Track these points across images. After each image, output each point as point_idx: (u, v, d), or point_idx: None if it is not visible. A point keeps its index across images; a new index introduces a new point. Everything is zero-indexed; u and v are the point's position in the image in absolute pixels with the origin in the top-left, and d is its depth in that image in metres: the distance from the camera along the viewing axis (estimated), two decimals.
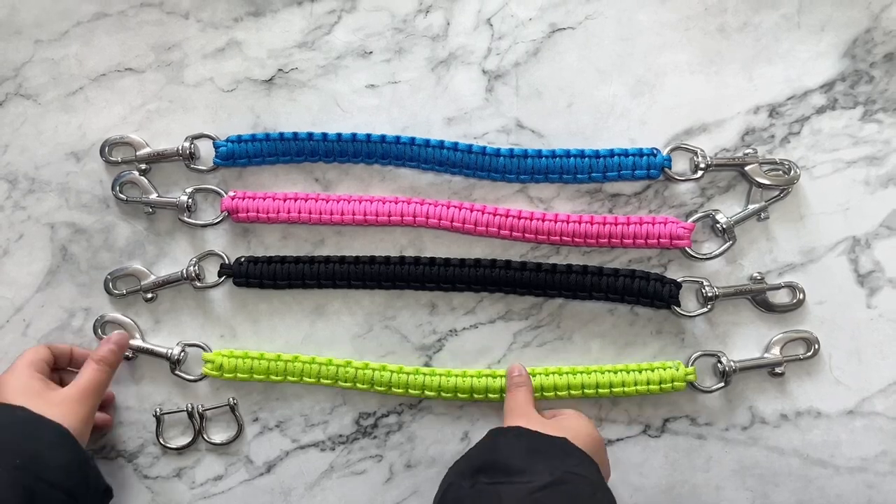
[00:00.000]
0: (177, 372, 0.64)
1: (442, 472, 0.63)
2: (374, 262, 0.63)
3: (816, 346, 0.62)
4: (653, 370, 0.62)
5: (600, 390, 0.61)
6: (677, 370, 0.61)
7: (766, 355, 0.62)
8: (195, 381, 0.64)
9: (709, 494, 0.63)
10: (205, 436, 0.65)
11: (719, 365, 0.62)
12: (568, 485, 0.49)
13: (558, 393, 0.62)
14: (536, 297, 0.64)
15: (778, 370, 0.62)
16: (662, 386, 0.61)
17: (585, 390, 0.61)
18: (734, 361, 0.62)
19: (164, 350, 0.64)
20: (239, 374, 0.62)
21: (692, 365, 0.62)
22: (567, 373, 0.62)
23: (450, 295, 0.64)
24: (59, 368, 0.62)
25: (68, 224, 0.65)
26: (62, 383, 0.59)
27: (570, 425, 0.56)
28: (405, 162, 0.64)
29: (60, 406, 0.55)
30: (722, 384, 0.62)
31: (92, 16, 0.66)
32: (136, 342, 0.64)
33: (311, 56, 0.65)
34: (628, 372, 0.62)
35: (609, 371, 0.62)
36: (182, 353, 0.64)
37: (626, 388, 0.61)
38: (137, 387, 0.65)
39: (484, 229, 0.63)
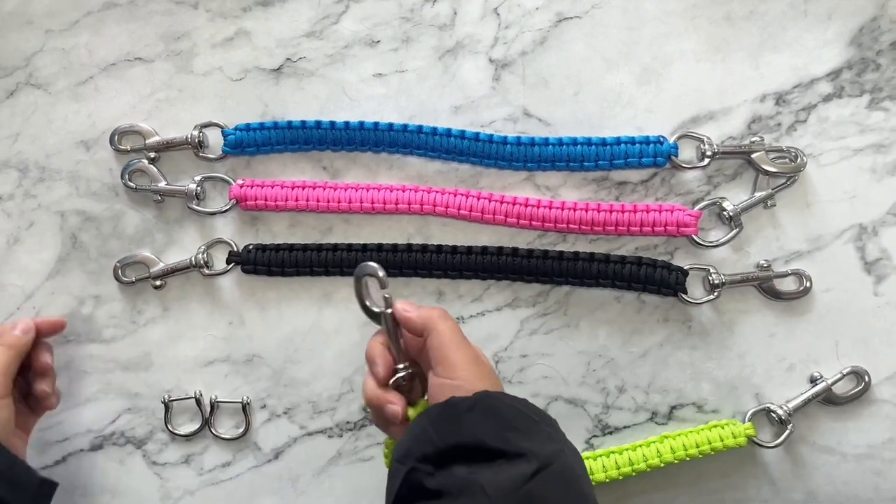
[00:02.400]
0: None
1: None
2: (382, 249, 0.63)
3: (867, 379, 0.62)
4: (711, 430, 0.62)
5: (663, 457, 0.61)
6: (736, 427, 0.61)
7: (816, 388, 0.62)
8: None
9: (715, 482, 0.63)
10: (212, 428, 0.65)
11: (773, 415, 0.62)
12: (555, 465, 0.44)
13: (621, 470, 0.61)
14: (543, 285, 0.64)
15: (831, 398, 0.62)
16: (725, 443, 0.61)
17: (649, 461, 0.61)
18: (786, 406, 0.62)
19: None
20: None
21: (749, 421, 0.62)
22: (627, 450, 0.62)
23: (457, 282, 0.65)
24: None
25: (78, 212, 0.66)
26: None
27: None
28: (412, 150, 0.64)
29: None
30: (782, 438, 0.62)
31: (102, 5, 0.66)
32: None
33: (319, 45, 0.66)
34: (687, 435, 0.61)
35: (669, 438, 0.62)
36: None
37: (688, 451, 0.61)
38: (146, 374, 0.66)
39: (491, 217, 0.63)
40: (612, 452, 0.62)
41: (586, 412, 0.64)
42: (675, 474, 0.64)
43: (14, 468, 0.53)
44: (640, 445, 0.62)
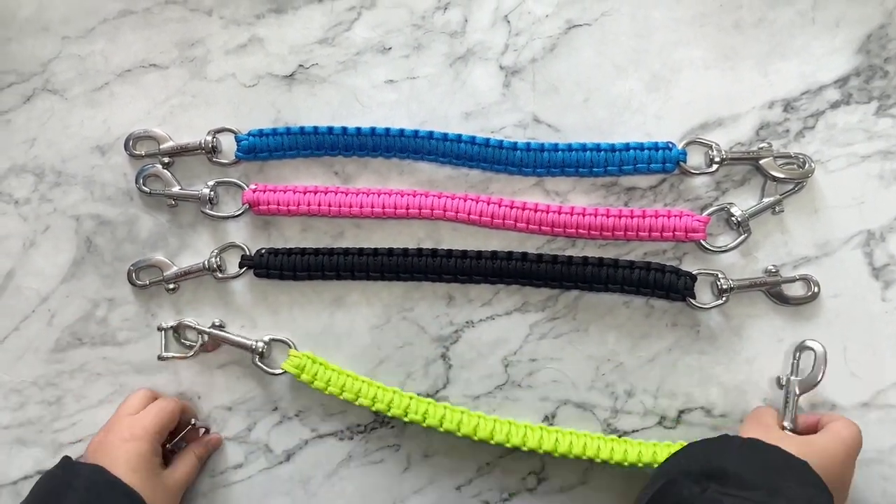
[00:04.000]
0: (258, 363, 0.64)
1: (458, 462, 0.65)
2: (393, 254, 0.64)
3: None
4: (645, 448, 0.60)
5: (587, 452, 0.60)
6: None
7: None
8: (275, 374, 0.64)
9: None
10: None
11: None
12: None
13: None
14: (552, 289, 0.65)
15: None
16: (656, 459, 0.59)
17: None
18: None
19: (249, 342, 0.64)
20: (316, 382, 0.62)
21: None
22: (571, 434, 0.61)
23: (467, 287, 0.65)
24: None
25: (93, 216, 0.67)
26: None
27: (822, 446, 0.53)
28: (423, 156, 0.65)
29: (161, 492, 0.58)
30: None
31: (118, 13, 0.67)
32: (220, 333, 0.64)
33: (332, 52, 0.66)
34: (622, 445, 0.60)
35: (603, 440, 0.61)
36: (265, 347, 0.64)
37: (613, 457, 0.60)
38: (160, 376, 0.66)
39: (500, 222, 0.63)
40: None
41: (595, 416, 0.65)
42: None
43: None
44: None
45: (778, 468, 0.49)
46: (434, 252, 0.64)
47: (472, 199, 0.64)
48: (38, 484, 0.56)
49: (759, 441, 0.51)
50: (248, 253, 0.65)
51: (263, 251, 0.65)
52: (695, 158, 0.64)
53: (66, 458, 0.58)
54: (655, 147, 0.63)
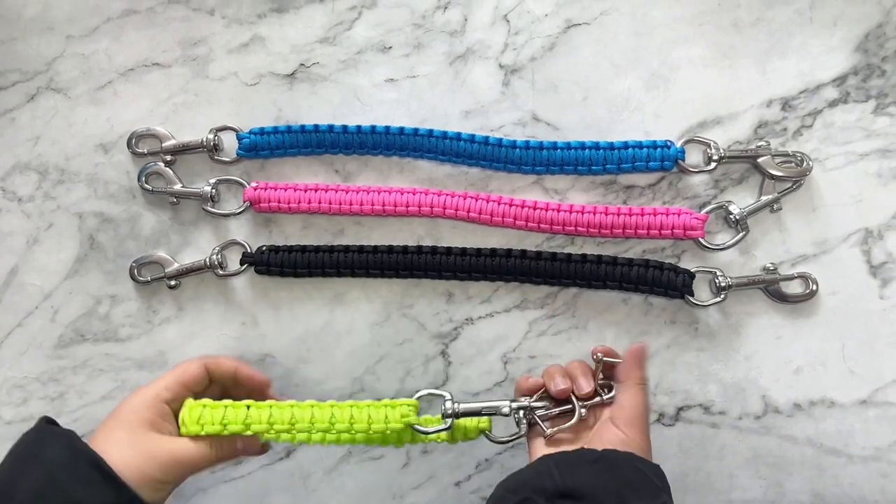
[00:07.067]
0: None
1: (458, 458, 0.65)
2: (392, 251, 0.64)
3: None
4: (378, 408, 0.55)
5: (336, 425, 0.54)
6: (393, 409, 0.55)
7: None
8: None
9: (722, 482, 0.64)
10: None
11: None
12: None
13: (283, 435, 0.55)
14: (552, 287, 0.65)
15: None
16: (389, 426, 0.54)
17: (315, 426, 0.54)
18: None
19: None
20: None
21: (416, 398, 0.57)
22: (293, 407, 0.56)
23: (466, 284, 0.66)
24: (219, 381, 0.59)
25: (96, 214, 0.67)
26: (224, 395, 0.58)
27: (631, 407, 0.53)
28: (423, 154, 0.65)
29: (158, 454, 0.51)
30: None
31: (121, 12, 0.68)
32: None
33: (333, 51, 0.67)
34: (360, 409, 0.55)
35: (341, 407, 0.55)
36: None
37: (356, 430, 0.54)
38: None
39: (500, 220, 0.64)
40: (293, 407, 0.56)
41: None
42: (683, 475, 0.64)
43: None
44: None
45: (631, 483, 0.48)
46: (434, 249, 0.64)
47: (472, 197, 0.64)
48: (11, 449, 0.51)
49: (612, 453, 0.49)
50: (249, 250, 0.66)
51: (264, 248, 0.65)
52: (693, 157, 0.65)
53: (42, 420, 0.53)
54: (654, 145, 0.63)
